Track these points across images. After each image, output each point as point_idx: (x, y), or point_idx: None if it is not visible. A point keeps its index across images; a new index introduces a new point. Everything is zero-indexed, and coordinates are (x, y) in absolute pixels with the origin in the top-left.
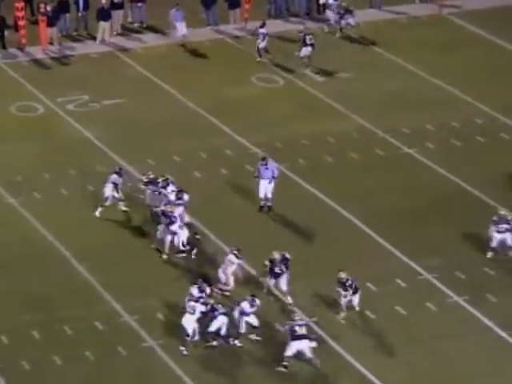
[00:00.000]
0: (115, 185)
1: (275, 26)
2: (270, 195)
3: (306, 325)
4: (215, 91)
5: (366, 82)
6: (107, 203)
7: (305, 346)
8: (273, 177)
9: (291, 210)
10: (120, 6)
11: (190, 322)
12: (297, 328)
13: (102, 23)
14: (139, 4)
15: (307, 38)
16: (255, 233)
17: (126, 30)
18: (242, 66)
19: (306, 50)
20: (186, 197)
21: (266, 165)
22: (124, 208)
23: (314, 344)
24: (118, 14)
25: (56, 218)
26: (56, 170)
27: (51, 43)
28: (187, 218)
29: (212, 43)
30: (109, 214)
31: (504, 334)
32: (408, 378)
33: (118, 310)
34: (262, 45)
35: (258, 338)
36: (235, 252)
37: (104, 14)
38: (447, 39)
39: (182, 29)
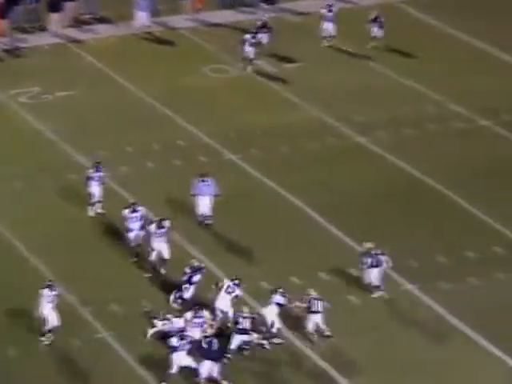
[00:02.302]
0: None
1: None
2: (209, 212)
3: (251, 318)
4: (167, 82)
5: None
6: (94, 200)
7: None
8: (214, 195)
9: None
10: None
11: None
12: (240, 320)
13: (52, 15)
14: None
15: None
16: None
17: (78, 22)
18: (194, 57)
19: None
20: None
21: (206, 181)
22: (99, 210)
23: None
24: (69, 6)
25: None
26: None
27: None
28: None
29: (164, 34)
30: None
31: None
32: None
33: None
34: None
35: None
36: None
37: (55, 6)
38: None
39: (144, 18)
